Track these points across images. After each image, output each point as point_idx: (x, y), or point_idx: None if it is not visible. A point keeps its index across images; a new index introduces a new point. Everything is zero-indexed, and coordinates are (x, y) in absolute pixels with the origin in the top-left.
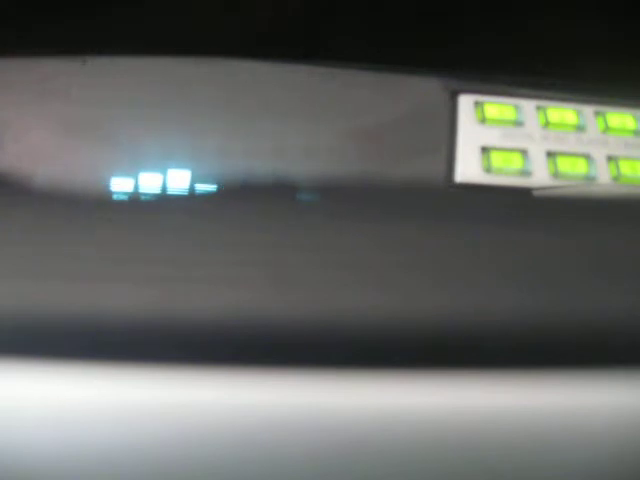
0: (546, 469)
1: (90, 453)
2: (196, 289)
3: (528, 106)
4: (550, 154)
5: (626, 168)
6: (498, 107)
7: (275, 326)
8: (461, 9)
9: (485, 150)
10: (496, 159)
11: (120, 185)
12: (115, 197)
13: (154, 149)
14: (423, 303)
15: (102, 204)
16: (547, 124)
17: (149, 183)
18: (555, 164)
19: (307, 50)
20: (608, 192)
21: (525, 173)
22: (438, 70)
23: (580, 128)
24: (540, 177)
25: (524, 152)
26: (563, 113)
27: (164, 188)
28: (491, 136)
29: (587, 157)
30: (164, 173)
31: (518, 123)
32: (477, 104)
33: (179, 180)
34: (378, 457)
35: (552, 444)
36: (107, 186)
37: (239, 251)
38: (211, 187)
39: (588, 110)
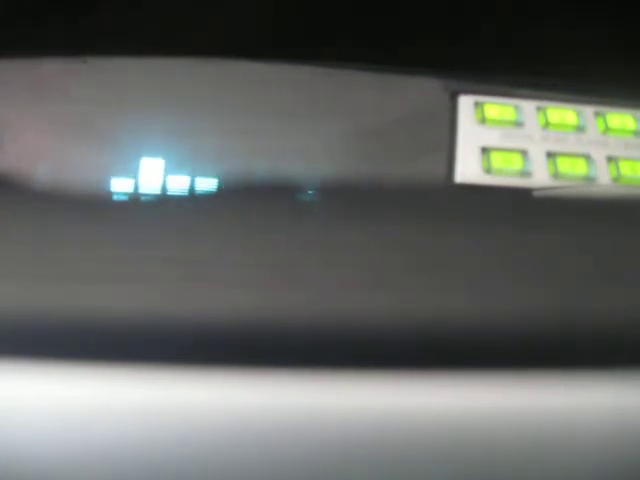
0: (546, 470)
1: (91, 453)
2: (196, 289)
3: (528, 107)
4: (550, 155)
5: (626, 169)
6: (498, 107)
7: (276, 326)
8: (461, 9)
9: (485, 150)
10: (496, 159)
11: (120, 185)
12: (115, 197)
13: (154, 149)
14: (424, 303)
15: (102, 204)
16: (547, 125)
17: (149, 183)
18: (555, 165)
19: (307, 50)
20: (608, 193)
21: (525, 174)
22: (438, 70)
23: (580, 129)
24: (540, 178)
25: (524, 153)
26: (563, 114)
27: (164, 188)
28: (491, 136)
29: (587, 158)
30: (164, 173)
31: (518, 124)
32: (477, 104)
33: (179, 180)
34: (382, 458)
35: (553, 445)
36: (107, 186)
37: (239, 251)
38: (211, 187)
39: (588, 111)
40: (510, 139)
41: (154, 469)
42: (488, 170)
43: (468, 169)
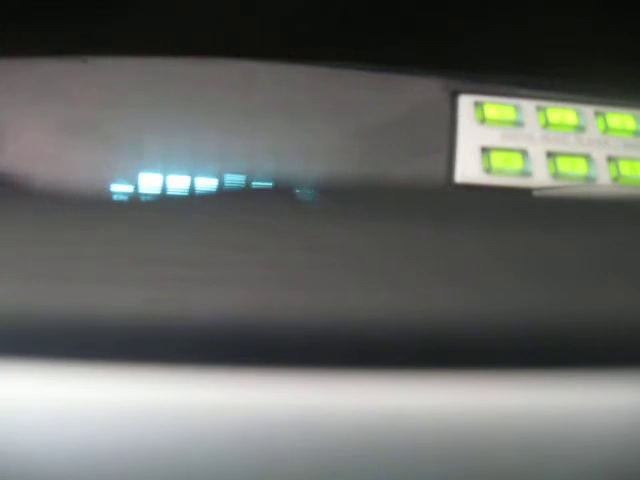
0: (546, 470)
1: (91, 453)
2: (197, 289)
3: (528, 106)
4: (550, 154)
5: (626, 168)
6: (498, 107)
7: (277, 326)
8: (461, 9)
9: (485, 150)
10: (496, 159)
11: (120, 185)
12: (115, 197)
13: (154, 149)
14: (424, 303)
15: (102, 204)
16: (547, 124)
17: (149, 183)
18: (555, 164)
19: (307, 50)
20: (608, 192)
21: (525, 173)
22: (438, 70)
23: (580, 128)
24: (540, 177)
25: (524, 152)
26: (563, 113)
27: (164, 188)
28: (491, 136)
29: (587, 157)
30: (164, 173)
31: (518, 123)
32: (477, 104)
33: (179, 180)
34: (382, 458)
35: (553, 445)
36: (107, 186)
37: (239, 251)
38: (211, 187)
39: (588, 110)
40: (510, 139)
41: (154, 469)
42: (488, 170)
43: (468, 169)
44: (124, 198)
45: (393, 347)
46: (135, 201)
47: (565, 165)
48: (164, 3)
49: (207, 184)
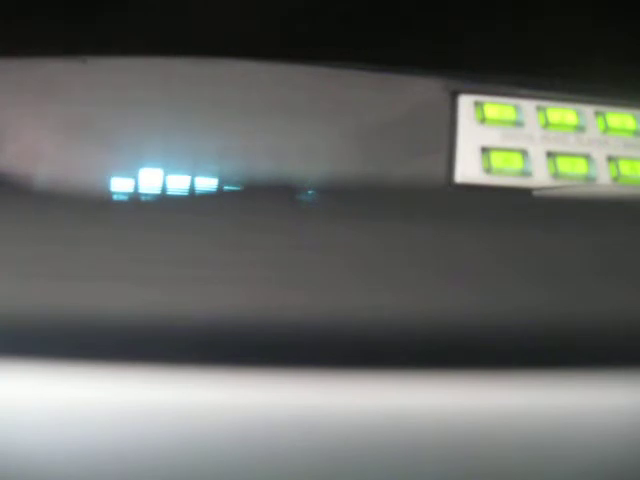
0: (546, 470)
1: (91, 453)
2: (197, 289)
3: (528, 106)
4: (550, 154)
5: (626, 168)
6: (498, 107)
7: (277, 326)
8: (461, 9)
9: (485, 150)
10: (496, 159)
11: (120, 185)
12: (115, 197)
13: (154, 149)
14: (424, 303)
15: (102, 204)
16: (547, 124)
17: (149, 183)
18: (555, 164)
19: (307, 50)
20: (608, 192)
21: (525, 173)
22: (438, 70)
23: (580, 128)
24: (540, 177)
25: (524, 152)
26: (563, 113)
27: (164, 188)
28: (491, 136)
29: (587, 157)
30: (164, 173)
31: (518, 123)
32: (477, 104)
33: (179, 180)
34: (385, 459)
35: (552, 445)
36: (107, 186)
37: (239, 251)
38: (211, 187)
39: (588, 110)
40: (510, 139)
41: (154, 469)
42: (488, 170)
43: (468, 169)
44: (124, 198)
45: (393, 347)
46: (135, 201)
47: (565, 165)
48: (164, 3)
49: (207, 184)
